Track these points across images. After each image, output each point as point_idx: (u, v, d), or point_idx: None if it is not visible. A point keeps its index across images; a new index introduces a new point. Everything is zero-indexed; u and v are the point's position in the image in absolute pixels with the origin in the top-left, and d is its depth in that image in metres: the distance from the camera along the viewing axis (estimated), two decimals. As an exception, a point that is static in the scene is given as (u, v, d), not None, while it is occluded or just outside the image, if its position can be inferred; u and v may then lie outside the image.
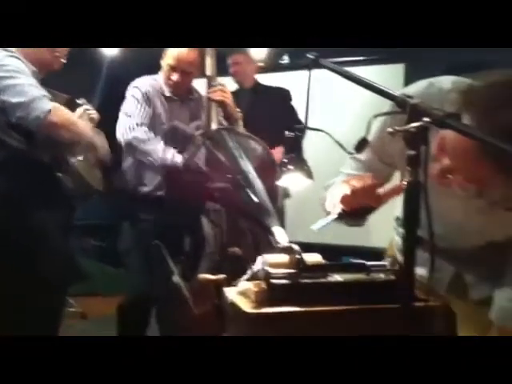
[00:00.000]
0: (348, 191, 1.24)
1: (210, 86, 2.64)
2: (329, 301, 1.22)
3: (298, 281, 1.25)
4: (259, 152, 2.46)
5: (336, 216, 1.28)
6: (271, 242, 2.05)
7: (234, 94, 3.25)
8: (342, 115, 4.40)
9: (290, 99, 3.68)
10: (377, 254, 1.64)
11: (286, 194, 3.52)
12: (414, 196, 0.98)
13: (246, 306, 1.21)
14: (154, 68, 2.77)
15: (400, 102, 1.02)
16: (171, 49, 2.57)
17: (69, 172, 2.21)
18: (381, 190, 1.29)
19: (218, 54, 2.66)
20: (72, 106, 2.31)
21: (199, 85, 2.79)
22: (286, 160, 1.37)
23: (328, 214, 1.39)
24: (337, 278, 1.29)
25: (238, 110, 2.74)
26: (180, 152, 2.52)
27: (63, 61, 2.31)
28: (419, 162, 0.98)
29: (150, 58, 2.71)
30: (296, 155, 1.38)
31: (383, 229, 1.76)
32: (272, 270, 1.24)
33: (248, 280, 1.31)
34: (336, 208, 1.29)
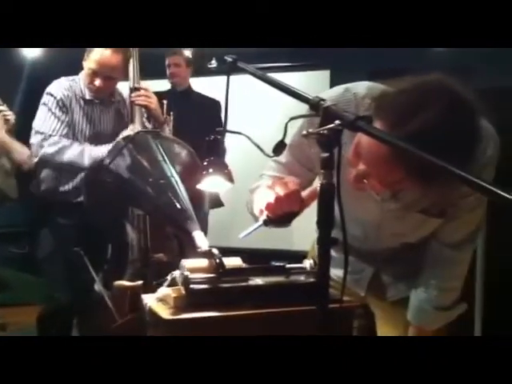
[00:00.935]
0: (272, 199, 1.24)
1: (133, 90, 2.59)
2: (249, 304, 1.22)
3: (218, 285, 1.24)
4: (184, 156, 2.43)
5: (261, 223, 1.28)
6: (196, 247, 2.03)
7: (166, 94, 3.23)
8: (267, 119, 4.45)
9: (220, 110, 3.71)
10: (300, 257, 1.65)
11: (217, 202, 3.52)
12: (327, 198, 0.99)
13: (165, 312, 1.19)
14: (77, 69, 2.68)
15: (313, 105, 1.03)
16: (94, 51, 2.47)
17: None
18: (304, 194, 1.30)
19: (142, 56, 2.62)
20: None
21: (122, 86, 2.72)
22: (205, 163, 1.36)
23: (255, 217, 1.39)
24: (257, 281, 1.29)
25: (164, 114, 2.71)
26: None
27: None
28: (332, 164, 0.99)
29: (73, 58, 2.62)
30: (216, 158, 1.36)
31: (311, 232, 1.78)
32: (191, 275, 1.22)
33: (168, 286, 1.28)
34: (261, 215, 1.29)
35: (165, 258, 2.27)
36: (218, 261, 1.27)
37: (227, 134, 1.36)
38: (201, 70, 4.11)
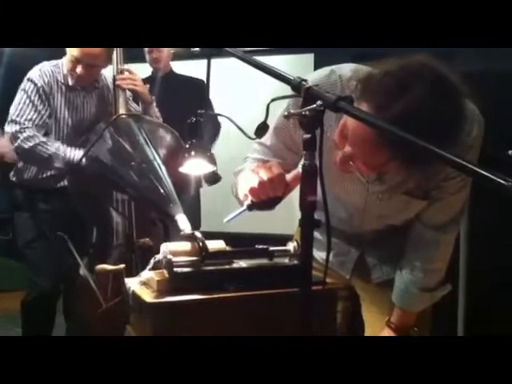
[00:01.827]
0: (255, 184, 1.23)
1: (117, 72, 2.55)
2: (232, 287, 1.22)
3: (201, 268, 1.24)
4: (168, 140, 2.41)
5: (245, 208, 1.28)
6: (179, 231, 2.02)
7: (148, 80, 3.19)
8: (251, 101, 4.42)
9: (204, 89, 3.66)
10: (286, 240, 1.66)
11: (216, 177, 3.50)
12: (310, 179, 0.98)
13: (148, 295, 1.19)
14: (60, 53, 2.63)
15: (295, 86, 1.02)
16: None
17: None
18: (288, 177, 1.30)
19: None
20: None
21: (106, 71, 2.68)
22: (187, 146, 1.34)
23: (239, 201, 1.39)
24: (241, 264, 1.29)
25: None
26: (83, 143, 2.41)
27: None
28: (315, 145, 0.98)
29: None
30: (198, 141, 1.35)
31: (296, 216, 1.77)
32: (174, 259, 1.21)
33: (151, 269, 1.28)
34: (245, 199, 1.29)
35: (150, 242, 2.26)
36: (200, 244, 1.27)
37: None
38: (183, 54, 4.06)
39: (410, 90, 1.07)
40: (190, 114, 2.97)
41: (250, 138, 1.23)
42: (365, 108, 1.10)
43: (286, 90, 1.16)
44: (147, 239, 2.27)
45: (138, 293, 1.21)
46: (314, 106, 0.95)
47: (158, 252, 1.29)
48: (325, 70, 1.34)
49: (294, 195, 1.35)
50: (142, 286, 1.24)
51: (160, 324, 1.16)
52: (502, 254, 2.55)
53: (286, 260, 1.33)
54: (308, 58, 4.59)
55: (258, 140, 1.44)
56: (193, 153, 1.33)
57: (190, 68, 4.16)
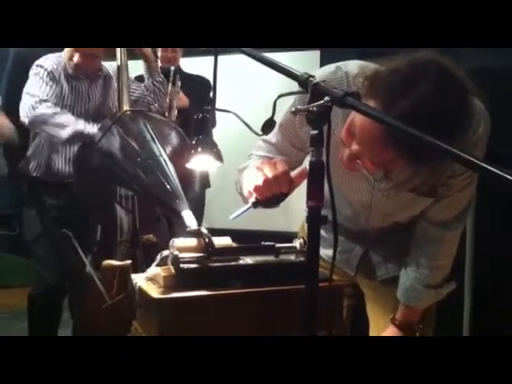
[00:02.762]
0: (260, 181, 1.23)
1: (121, 63, 2.58)
2: (239, 284, 1.22)
3: (208, 264, 1.24)
4: (173, 136, 2.41)
5: (250, 205, 1.28)
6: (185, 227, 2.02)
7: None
8: (257, 98, 4.42)
9: (209, 87, 3.68)
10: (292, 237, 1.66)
11: (206, 184, 3.52)
12: (317, 175, 0.98)
13: (154, 291, 1.19)
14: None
15: (302, 82, 1.02)
16: None
17: None
18: (293, 174, 1.29)
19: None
20: None
21: (110, 64, 2.69)
22: (194, 142, 1.34)
23: (244, 198, 1.39)
24: (247, 260, 1.29)
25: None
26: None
27: None
28: (322, 141, 0.98)
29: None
30: (204, 137, 1.35)
31: (302, 213, 1.77)
32: (181, 255, 1.21)
33: (157, 265, 1.28)
34: (250, 197, 1.28)
35: (154, 238, 2.27)
36: (207, 240, 1.27)
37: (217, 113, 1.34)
38: (190, 50, 4.06)
39: (416, 87, 1.07)
40: (195, 111, 2.98)
41: (256, 134, 1.22)
42: (372, 105, 1.09)
43: (292, 86, 1.16)
44: (151, 235, 2.28)
45: (144, 289, 1.21)
46: (322, 101, 0.95)
47: (162, 248, 1.30)
48: (331, 67, 1.34)
49: (298, 192, 1.36)
50: (148, 281, 1.24)
51: (166, 320, 1.16)
52: (507, 251, 2.55)
53: (293, 257, 1.33)
54: (314, 55, 4.59)
55: (262, 137, 1.43)
56: (199, 149, 1.33)
57: (197, 64, 4.18)
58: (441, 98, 1.07)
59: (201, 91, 3.68)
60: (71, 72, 2.53)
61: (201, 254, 1.24)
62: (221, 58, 1.37)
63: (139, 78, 2.89)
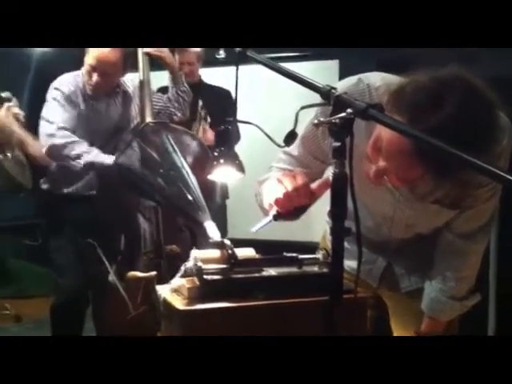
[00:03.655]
0: (281, 194, 1.24)
1: (143, 78, 2.62)
2: (262, 295, 1.22)
3: (231, 276, 1.24)
4: (194, 147, 2.43)
5: (271, 218, 1.28)
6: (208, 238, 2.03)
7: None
8: (278, 109, 4.43)
9: (230, 98, 3.71)
10: (313, 248, 1.66)
11: (225, 195, 3.54)
12: (340, 187, 0.98)
13: (179, 302, 1.20)
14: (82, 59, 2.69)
15: (324, 94, 1.03)
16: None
17: None
18: (313, 186, 1.30)
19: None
20: None
21: (130, 77, 2.72)
22: (216, 154, 1.35)
23: (264, 210, 1.39)
24: (270, 271, 1.29)
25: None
26: (113, 149, 2.45)
27: None
28: (344, 153, 0.98)
29: (78, 54, 2.62)
30: (226, 149, 1.36)
31: (322, 223, 1.77)
32: (204, 266, 1.22)
33: (181, 277, 1.29)
34: (271, 209, 1.29)
35: (177, 249, 2.28)
36: (230, 251, 1.27)
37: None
38: (209, 61, 4.09)
39: (442, 104, 1.07)
40: (216, 122, 3.01)
41: (278, 145, 1.23)
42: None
43: (311, 96, 1.16)
44: (174, 246, 2.29)
45: (169, 300, 1.22)
46: (344, 113, 0.96)
47: (185, 258, 1.30)
48: (352, 79, 1.34)
49: (318, 202, 1.36)
50: (173, 293, 1.25)
51: (191, 331, 1.17)
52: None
53: (316, 268, 1.33)
54: (333, 65, 4.59)
55: (283, 149, 1.44)
56: (222, 161, 1.34)
57: (217, 75, 4.21)
58: (467, 114, 1.07)
59: (222, 102, 3.71)
60: (89, 92, 2.56)
61: (224, 266, 1.25)
62: (240, 67, 1.38)
63: (161, 90, 2.92)
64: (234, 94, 1.33)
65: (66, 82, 2.54)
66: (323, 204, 1.43)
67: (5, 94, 2.34)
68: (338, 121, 0.97)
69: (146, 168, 2.10)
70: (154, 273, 1.29)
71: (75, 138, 2.45)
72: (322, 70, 4.57)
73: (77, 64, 2.68)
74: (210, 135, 3.27)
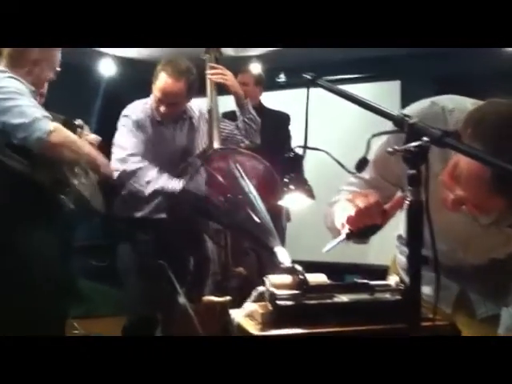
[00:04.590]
0: (353, 212, 1.24)
1: (209, 68, 2.71)
2: (335, 322, 1.22)
3: (303, 302, 1.25)
4: (261, 171, 2.47)
5: (343, 237, 1.28)
6: (275, 262, 2.04)
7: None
8: (336, 133, 4.44)
9: (289, 124, 3.76)
10: (376, 271, 1.65)
11: (287, 217, 3.55)
12: (416, 215, 0.98)
13: (253, 328, 1.21)
14: (148, 86, 2.79)
15: (398, 122, 1.03)
16: (159, 79, 2.57)
17: (70, 193, 2.21)
18: (386, 206, 1.29)
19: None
20: (69, 127, 2.31)
21: (197, 102, 2.80)
22: (286, 180, 1.37)
23: (333, 232, 1.40)
24: (342, 298, 1.29)
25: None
26: (181, 173, 2.53)
27: (57, 68, 2.33)
28: (420, 181, 0.98)
29: (145, 75, 2.72)
30: (296, 175, 1.38)
31: (382, 246, 1.75)
32: (277, 291, 1.24)
33: (254, 301, 1.31)
34: (343, 229, 1.29)
35: (244, 271, 2.31)
36: (301, 277, 1.28)
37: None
38: (269, 85, 4.16)
39: None
40: (276, 145, 3.04)
41: (349, 172, 1.24)
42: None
43: (372, 118, 1.16)
44: (241, 268, 2.32)
45: (243, 325, 1.24)
46: (420, 142, 0.96)
47: (252, 281, 1.32)
48: (424, 102, 1.34)
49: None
50: (246, 318, 1.26)
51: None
52: None
53: (388, 295, 1.32)
54: (394, 85, 4.57)
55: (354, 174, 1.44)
56: (292, 187, 1.36)
57: (276, 98, 4.26)
58: None
59: (281, 126, 3.75)
60: (158, 119, 2.65)
61: (296, 292, 1.26)
62: (300, 91, 1.40)
63: (228, 114, 2.98)
64: (295, 118, 1.36)
65: (135, 110, 2.65)
66: (389, 223, 1.43)
67: (77, 122, 2.45)
68: (412, 149, 0.97)
69: (214, 192, 2.15)
70: (228, 298, 1.31)
71: (145, 164, 2.53)
72: (384, 91, 4.55)
73: (143, 88, 2.79)
74: None
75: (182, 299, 2.00)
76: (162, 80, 2.54)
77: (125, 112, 2.66)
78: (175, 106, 2.62)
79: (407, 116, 1.03)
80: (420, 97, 1.39)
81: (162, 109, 2.59)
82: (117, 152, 2.56)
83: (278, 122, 3.72)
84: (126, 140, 2.56)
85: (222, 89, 2.81)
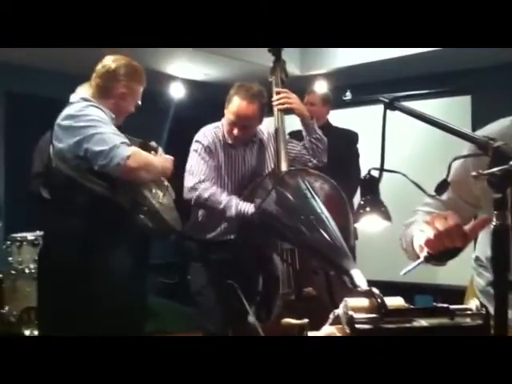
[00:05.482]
0: (432, 235, 1.22)
1: (275, 94, 2.74)
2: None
3: (382, 326, 1.23)
4: (328, 190, 2.47)
5: (422, 260, 1.27)
6: (345, 282, 2.03)
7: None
8: (405, 153, 4.38)
9: (357, 142, 3.75)
10: (446, 291, 1.61)
11: (355, 235, 3.53)
12: (503, 239, 0.96)
13: (330, 351, 1.21)
14: (217, 108, 2.85)
15: (482, 145, 1.02)
16: (232, 102, 2.63)
17: (149, 213, 2.29)
18: (466, 227, 1.27)
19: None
20: (145, 149, 2.41)
21: (264, 124, 2.84)
22: (362, 202, 1.37)
23: (409, 253, 1.38)
24: (421, 322, 1.26)
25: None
26: (250, 194, 2.56)
27: (139, 102, 2.44)
28: (506, 204, 0.96)
29: (213, 97, 2.78)
30: (372, 197, 1.38)
31: (451, 266, 1.71)
32: (355, 315, 1.23)
33: (331, 324, 1.30)
34: (421, 251, 1.28)
35: (313, 292, 2.30)
36: (379, 301, 1.27)
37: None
38: (336, 103, 4.16)
39: None
40: (343, 164, 3.00)
41: (428, 195, 1.23)
42: None
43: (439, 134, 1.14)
44: (311, 288, 2.31)
45: (321, 348, 1.23)
46: (506, 166, 0.94)
47: (321, 301, 1.32)
48: (505, 121, 1.32)
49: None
50: (323, 340, 1.26)
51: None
52: None
53: (468, 320, 1.28)
54: (465, 100, 4.46)
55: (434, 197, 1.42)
56: (368, 209, 1.36)
57: (342, 116, 4.25)
58: None
59: (350, 145, 3.74)
60: (230, 142, 2.71)
61: (374, 315, 1.25)
62: (367, 108, 1.40)
63: (294, 134, 3.01)
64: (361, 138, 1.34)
65: (206, 135, 2.71)
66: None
67: (152, 144, 2.54)
68: (498, 172, 0.96)
69: (286, 213, 2.17)
70: (306, 320, 1.32)
71: (215, 190, 2.59)
72: (455, 106, 4.46)
73: (213, 111, 2.85)
74: None
75: (251, 318, 2.02)
76: (236, 103, 2.60)
77: (197, 137, 2.73)
78: (248, 129, 2.67)
79: (491, 139, 1.01)
80: (491, 111, 1.37)
81: (236, 132, 2.64)
82: (188, 179, 2.63)
83: (346, 141, 3.71)
84: (197, 166, 2.63)
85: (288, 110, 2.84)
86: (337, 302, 2.39)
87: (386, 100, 1.27)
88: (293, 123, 2.96)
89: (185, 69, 5.01)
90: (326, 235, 1.87)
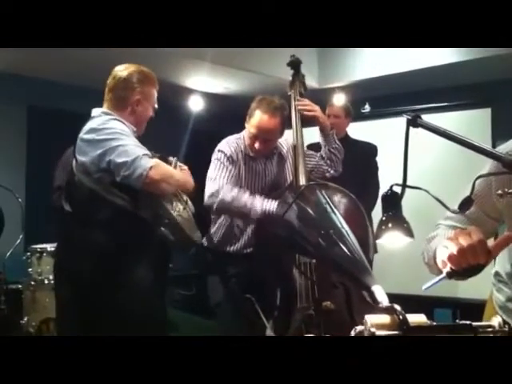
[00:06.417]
0: (454, 251, 1.22)
1: (295, 100, 2.76)
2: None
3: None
4: (347, 204, 2.47)
5: (445, 275, 1.26)
6: (364, 297, 2.02)
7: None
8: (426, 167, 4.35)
9: (376, 155, 3.75)
10: (465, 305, 1.60)
11: (375, 249, 3.51)
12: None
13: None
14: (236, 121, 2.86)
15: (507, 163, 1.01)
16: (254, 116, 2.64)
17: (170, 225, 2.30)
18: (489, 244, 1.26)
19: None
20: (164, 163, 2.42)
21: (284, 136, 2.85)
22: (384, 218, 1.37)
23: (431, 268, 1.37)
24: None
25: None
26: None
27: (156, 106, 2.47)
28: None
29: (232, 110, 2.80)
30: (394, 213, 1.37)
31: (470, 280, 1.70)
32: (377, 332, 1.22)
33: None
34: (444, 267, 1.27)
35: (332, 305, 2.29)
36: (401, 317, 1.26)
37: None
38: (355, 116, 4.16)
39: None
40: (362, 177, 2.99)
41: (452, 211, 1.23)
42: None
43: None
44: (329, 302, 2.30)
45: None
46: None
47: (339, 315, 1.31)
48: None
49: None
50: (345, 357, 1.26)
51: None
52: None
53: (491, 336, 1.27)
54: (485, 113, 4.44)
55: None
56: (390, 225, 1.36)
57: (359, 128, 4.25)
58: None
59: (369, 157, 3.74)
60: (251, 155, 2.73)
61: (396, 332, 1.24)
62: (385, 121, 1.40)
63: (312, 146, 3.01)
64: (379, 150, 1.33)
65: (229, 145, 2.73)
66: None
67: (171, 159, 2.55)
68: (524, 189, 0.95)
69: (306, 227, 2.17)
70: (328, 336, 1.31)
71: (238, 192, 2.58)
72: (475, 119, 4.43)
73: (233, 123, 2.87)
74: None
75: (269, 332, 2.02)
76: (258, 117, 2.62)
77: (219, 147, 2.75)
78: (269, 142, 2.69)
79: (516, 157, 1.01)
80: (512, 124, 1.37)
81: (257, 145, 2.66)
82: (209, 185, 2.63)
83: (365, 153, 3.72)
84: (219, 173, 2.64)
85: (305, 121, 2.86)
86: (356, 316, 2.39)
87: (409, 117, 1.27)
88: (311, 137, 2.98)
89: (205, 82, 5.06)
90: (346, 250, 1.86)
